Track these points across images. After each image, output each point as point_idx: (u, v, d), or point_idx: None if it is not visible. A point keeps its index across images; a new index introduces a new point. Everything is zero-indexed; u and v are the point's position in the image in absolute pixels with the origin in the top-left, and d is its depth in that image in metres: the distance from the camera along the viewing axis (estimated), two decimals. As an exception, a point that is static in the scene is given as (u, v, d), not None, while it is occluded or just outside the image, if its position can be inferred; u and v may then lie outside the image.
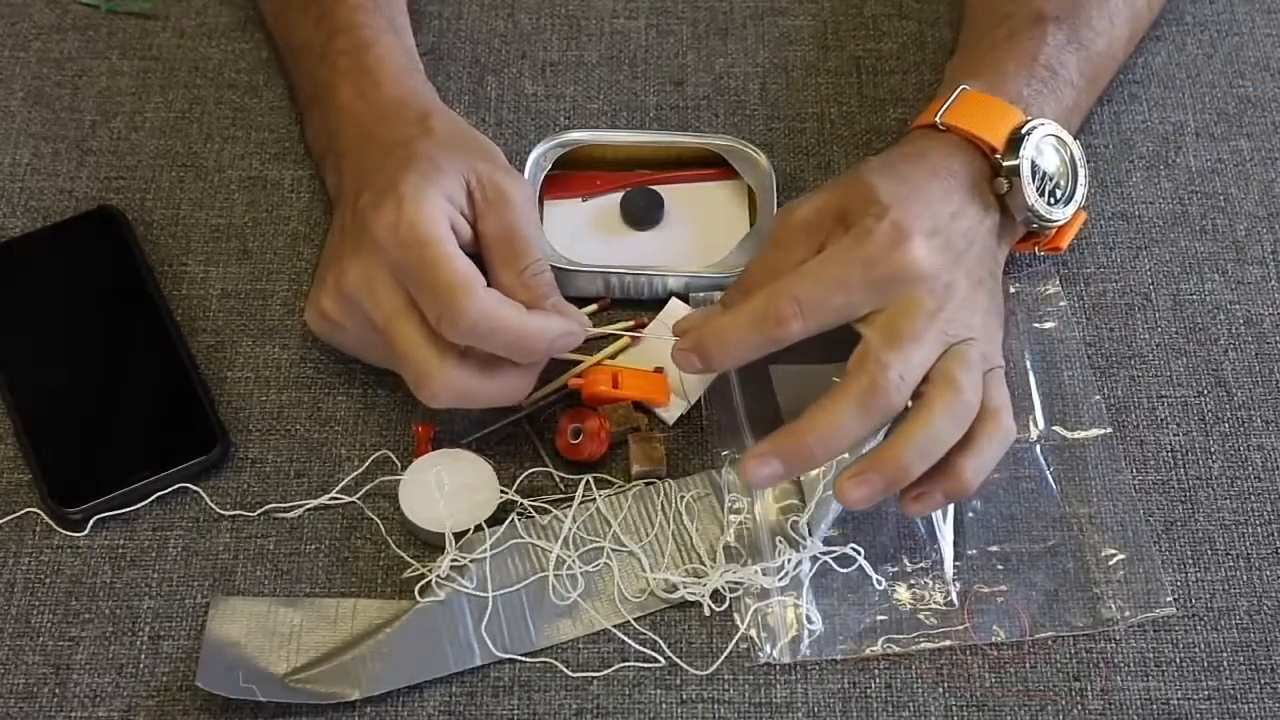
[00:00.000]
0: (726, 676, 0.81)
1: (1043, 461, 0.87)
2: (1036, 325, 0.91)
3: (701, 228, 0.94)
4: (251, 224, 0.95)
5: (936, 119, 0.86)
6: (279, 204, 0.96)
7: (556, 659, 0.81)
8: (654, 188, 0.95)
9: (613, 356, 0.89)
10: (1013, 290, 0.92)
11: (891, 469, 0.78)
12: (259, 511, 0.85)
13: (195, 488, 0.85)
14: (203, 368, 0.89)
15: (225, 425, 0.87)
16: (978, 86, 0.87)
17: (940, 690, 0.81)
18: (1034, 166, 0.85)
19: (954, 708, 0.80)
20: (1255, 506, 0.86)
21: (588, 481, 0.85)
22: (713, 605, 0.83)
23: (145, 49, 1.02)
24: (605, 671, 0.81)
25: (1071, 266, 0.94)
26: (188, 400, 0.87)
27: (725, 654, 0.81)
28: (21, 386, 0.88)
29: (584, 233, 0.94)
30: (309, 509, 0.85)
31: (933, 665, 0.81)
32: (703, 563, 0.84)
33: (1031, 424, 0.88)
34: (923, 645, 0.82)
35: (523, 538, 0.83)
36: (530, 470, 0.86)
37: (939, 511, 0.84)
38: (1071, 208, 0.87)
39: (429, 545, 0.84)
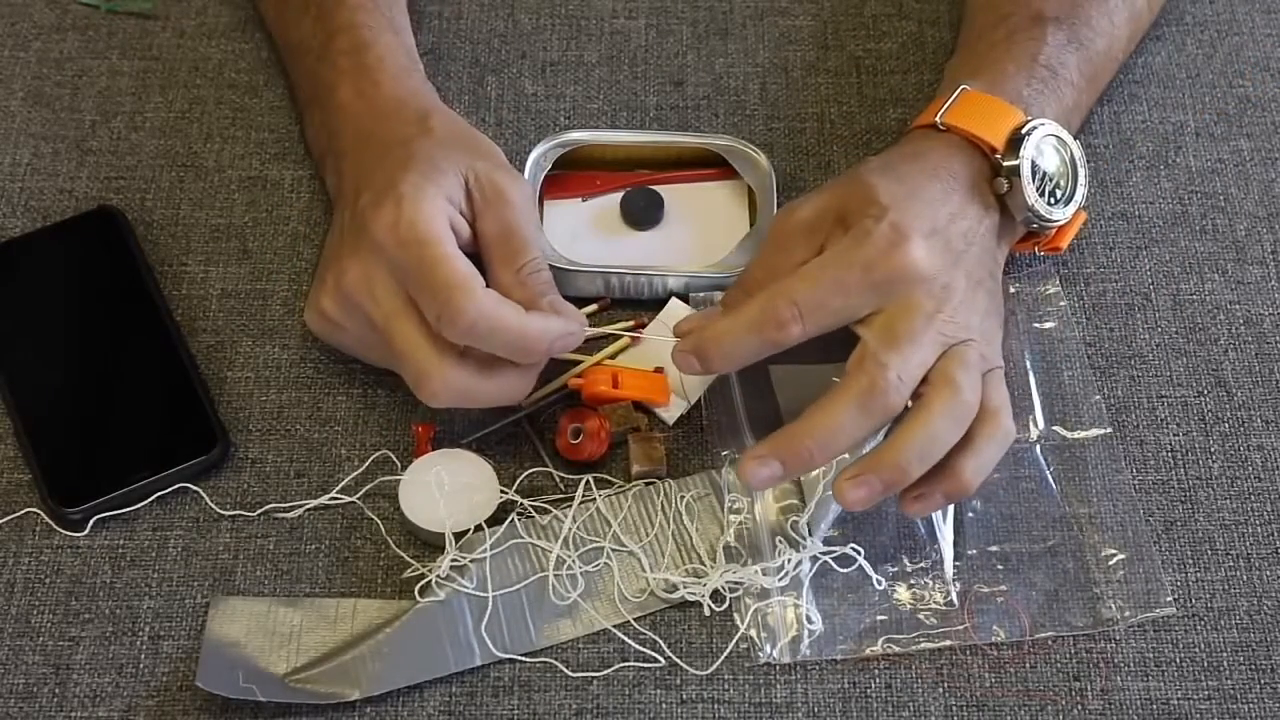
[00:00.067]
0: (726, 676, 0.81)
1: (1043, 461, 0.87)
2: (1036, 325, 0.91)
3: (701, 228, 0.94)
4: (251, 224, 0.95)
5: (936, 119, 0.86)
6: (279, 204, 0.96)
7: (556, 659, 0.81)
8: (654, 188, 0.95)
9: (613, 356, 0.89)
10: (1013, 290, 0.92)
11: (891, 470, 0.78)
12: (259, 511, 0.85)
13: (195, 488, 0.85)
14: (203, 368, 0.89)
15: (225, 425, 0.87)
16: (978, 86, 0.87)
17: (940, 690, 0.81)
18: (1034, 166, 0.85)
19: (954, 708, 0.80)
20: (1255, 506, 0.86)
21: (588, 481, 0.85)
22: (713, 605, 0.83)
23: (145, 49, 1.02)
24: (605, 671, 0.81)
25: (1071, 266, 0.94)
26: (188, 400, 0.87)
27: (725, 654, 0.81)
28: (21, 386, 0.88)
29: (584, 233, 0.94)
30: (309, 509, 0.85)
31: (933, 665, 0.81)
32: (703, 563, 0.84)
33: (1031, 424, 0.88)
34: (923, 645, 0.82)
35: (523, 538, 0.83)
36: (530, 470, 0.86)
37: (939, 512, 0.84)
38: (1071, 208, 0.87)
39: (429, 545, 0.84)
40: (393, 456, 0.87)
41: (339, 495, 0.86)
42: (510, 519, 0.84)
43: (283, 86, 1.00)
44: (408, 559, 0.84)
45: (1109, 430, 0.88)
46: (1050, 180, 0.86)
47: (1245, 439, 0.88)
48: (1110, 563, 0.84)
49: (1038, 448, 0.87)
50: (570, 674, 0.81)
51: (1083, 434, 0.88)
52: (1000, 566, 0.84)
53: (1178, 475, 0.87)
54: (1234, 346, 0.91)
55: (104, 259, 0.92)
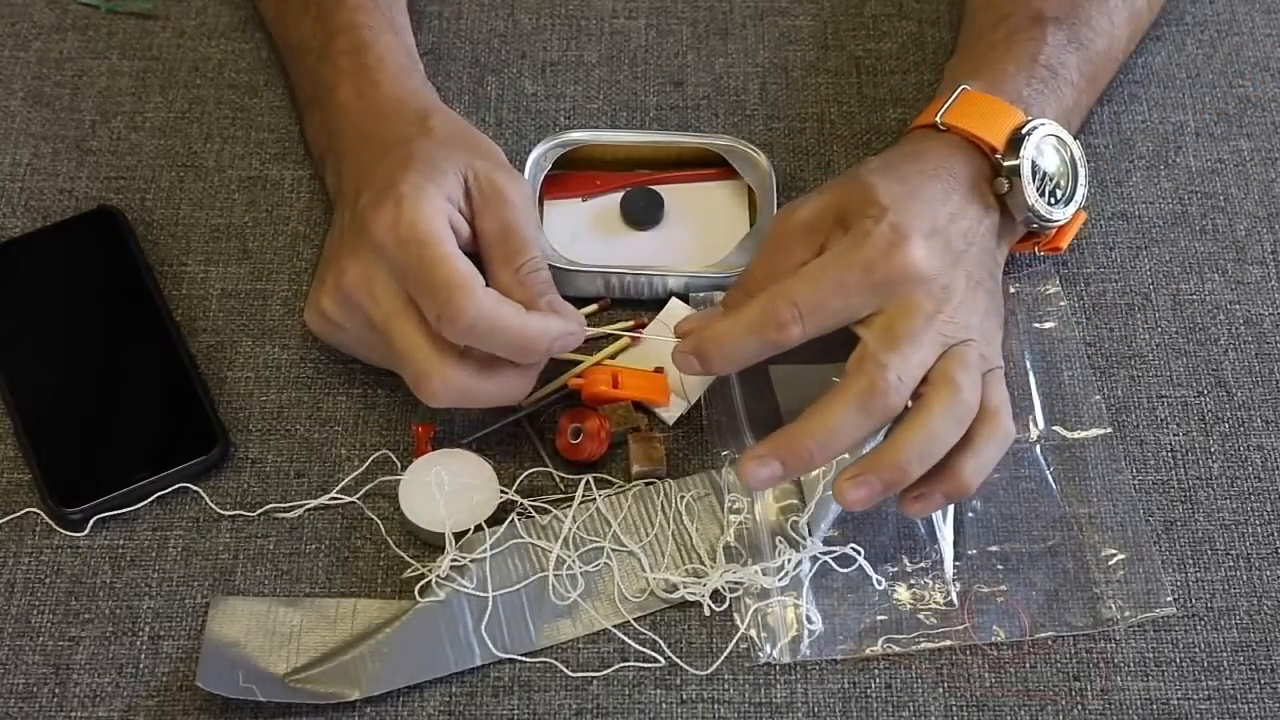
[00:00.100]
0: (726, 676, 0.81)
1: (1043, 461, 0.87)
2: (1036, 325, 0.91)
3: (701, 228, 0.94)
4: (251, 224, 0.95)
5: (936, 119, 0.86)
6: (279, 204, 0.96)
7: (556, 659, 0.81)
8: (654, 188, 0.95)
9: (613, 356, 0.89)
10: (1013, 290, 0.92)
11: (890, 470, 0.78)
12: (259, 511, 0.85)
13: (195, 488, 0.85)
14: (203, 368, 0.89)
15: (225, 425, 0.87)
16: (978, 86, 0.87)
17: (940, 690, 0.81)
18: (1034, 166, 0.85)
19: (954, 708, 0.80)
20: (1255, 506, 0.86)
21: (588, 481, 0.85)
22: (713, 605, 0.82)
23: (145, 49, 1.02)
24: (605, 671, 0.81)
25: (1071, 266, 0.94)
26: (188, 400, 0.87)
27: (725, 654, 0.81)
28: (21, 386, 0.88)
29: (584, 233, 0.94)
30: (309, 509, 0.85)
31: (933, 665, 0.81)
32: (703, 563, 0.84)
33: (1031, 424, 0.88)
34: (923, 645, 0.82)
35: (523, 538, 0.83)
36: (530, 470, 0.86)
37: (939, 512, 0.84)
38: (1072, 208, 0.87)
39: (429, 545, 0.84)
40: (393, 456, 0.87)
41: (339, 495, 0.86)
42: (510, 519, 0.84)
43: (283, 86, 1.00)
44: (408, 559, 0.84)
45: (1109, 430, 0.88)
46: (1050, 180, 0.86)
47: (1245, 439, 0.88)
48: (1110, 563, 0.84)
49: (1038, 448, 0.87)
50: (570, 674, 0.81)
51: (1083, 434, 0.88)
52: (1000, 566, 0.84)
53: (1178, 475, 0.87)
54: (1234, 346, 0.91)
55: (104, 259, 0.92)
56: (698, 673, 0.81)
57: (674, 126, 0.99)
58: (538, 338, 0.80)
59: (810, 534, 0.84)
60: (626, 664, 0.81)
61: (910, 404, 0.79)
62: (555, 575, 0.83)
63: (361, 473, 0.86)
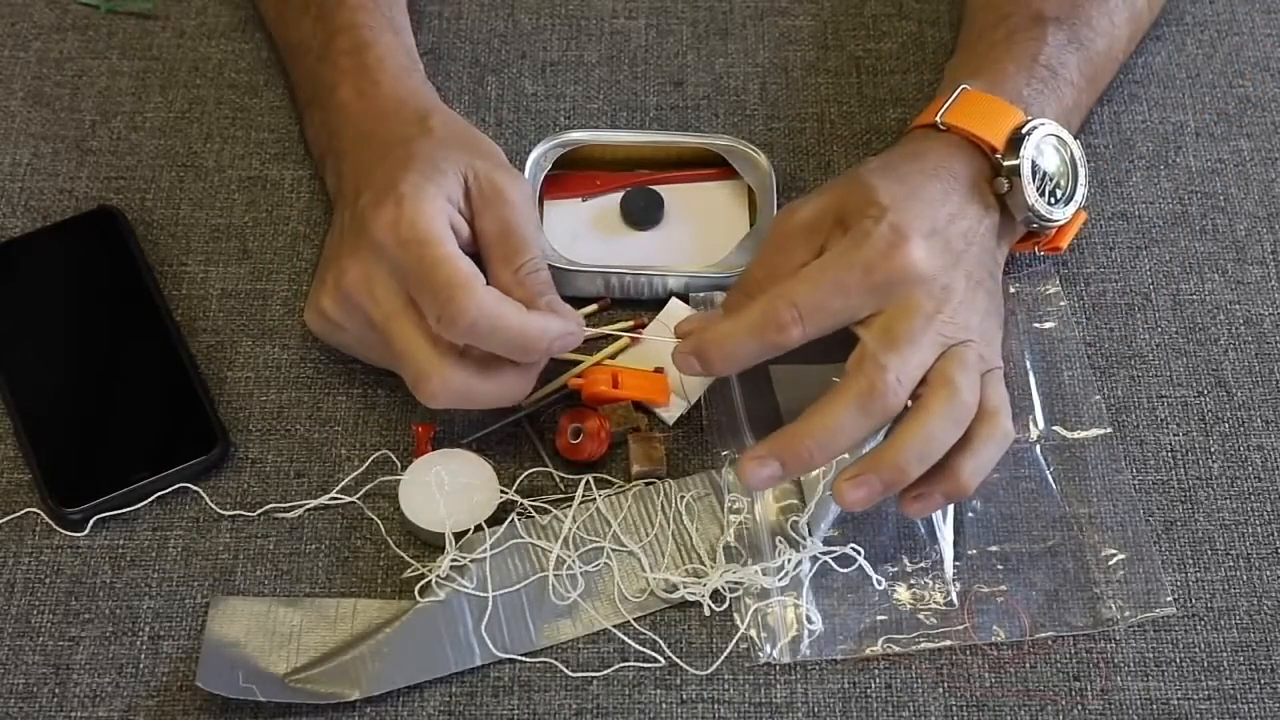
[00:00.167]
0: (726, 676, 0.81)
1: (1043, 461, 0.87)
2: (1036, 325, 0.91)
3: (701, 228, 0.94)
4: (251, 224, 0.95)
5: (936, 119, 0.86)
6: (279, 204, 0.96)
7: (556, 659, 0.81)
8: (654, 188, 0.95)
9: (613, 356, 0.89)
10: (1013, 290, 0.92)
11: (890, 470, 0.78)
12: (259, 511, 0.85)
13: (195, 488, 0.85)
14: (203, 368, 0.89)
15: (225, 425, 0.87)
16: (978, 86, 0.87)
17: (940, 690, 0.81)
18: (1034, 166, 0.85)
19: (954, 708, 0.80)
20: (1255, 506, 0.86)
21: (588, 481, 0.85)
22: (713, 605, 0.82)
23: (145, 49, 1.02)
24: (605, 671, 0.81)
25: (1071, 266, 0.94)
26: (188, 400, 0.87)
27: (725, 654, 0.81)
28: (21, 386, 0.88)
29: (584, 233, 0.94)
30: (309, 509, 0.85)
31: (933, 665, 0.81)
32: (703, 563, 0.84)
33: (1031, 424, 0.88)
34: (923, 645, 0.82)
35: (523, 538, 0.83)
36: (530, 470, 0.86)
37: (939, 512, 0.84)
38: (1072, 208, 0.87)
39: (429, 545, 0.84)
40: (393, 456, 0.87)
41: (339, 495, 0.86)
42: (510, 519, 0.84)
43: (283, 86, 1.00)
44: (408, 559, 0.84)
45: (1109, 430, 0.88)
46: (1050, 180, 0.86)
47: (1245, 439, 0.88)
48: (1110, 563, 0.84)
49: (1038, 448, 0.87)
50: (570, 674, 0.81)
51: (1083, 434, 0.88)
52: (1000, 566, 0.84)
53: (1178, 475, 0.87)
54: (1234, 346, 0.91)
55: (104, 259, 0.92)
56: (698, 673, 0.81)
57: (674, 126, 0.99)
58: (538, 337, 0.80)
59: (810, 534, 0.84)
60: (626, 664, 0.81)
61: (910, 404, 0.79)
62: (555, 575, 0.83)
63: (361, 473, 0.86)
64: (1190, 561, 0.84)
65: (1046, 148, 0.86)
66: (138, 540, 0.84)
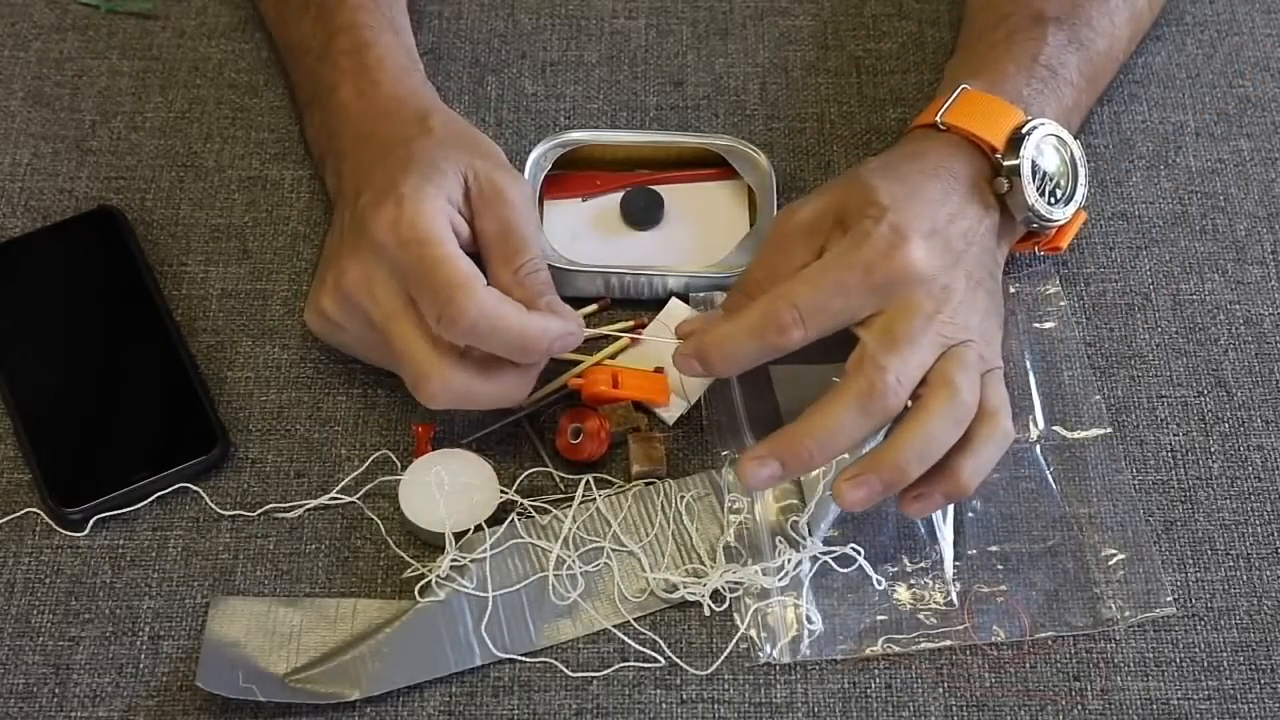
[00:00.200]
0: (726, 676, 0.81)
1: (1043, 461, 0.87)
2: (1036, 325, 0.91)
3: (701, 228, 0.94)
4: (251, 224, 0.95)
5: (937, 119, 0.86)
6: (279, 204, 0.96)
7: (556, 659, 0.81)
8: (654, 188, 0.95)
9: (613, 356, 0.89)
10: (1013, 290, 0.92)
11: (889, 470, 0.78)
12: (259, 511, 0.85)
13: (195, 488, 0.85)
14: (203, 368, 0.89)
15: (225, 425, 0.87)
16: (978, 86, 0.87)
17: (940, 690, 0.81)
18: (1034, 166, 0.85)
19: (954, 708, 0.80)
20: (1255, 506, 0.86)
21: (588, 481, 0.85)
22: (713, 605, 0.82)
23: (145, 49, 1.02)
24: (605, 671, 0.81)
25: (1071, 266, 0.94)
26: (188, 400, 0.87)
27: (725, 654, 0.81)
28: (21, 386, 0.88)
29: (584, 233, 0.94)
30: (309, 509, 0.85)
31: (933, 665, 0.81)
32: (703, 563, 0.84)
33: (1031, 424, 0.88)
34: (923, 645, 0.82)
35: (523, 538, 0.83)
36: (530, 470, 0.86)
37: (939, 512, 0.84)
38: (1072, 208, 0.87)
39: (429, 545, 0.84)
40: (393, 456, 0.87)
41: (339, 495, 0.86)
42: (510, 519, 0.84)
43: (283, 86, 1.00)
44: (408, 559, 0.84)
45: (1109, 430, 0.88)
46: (1050, 180, 0.86)
47: (1245, 439, 0.88)
48: (1110, 563, 0.84)
49: (1038, 448, 0.87)
50: (570, 674, 0.81)
51: (1083, 434, 0.88)
52: (1000, 566, 0.84)
53: (1178, 475, 0.87)
54: (1234, 346, 0.91)
55: (104, 259, 0.92)
56: (698, 673, 0.81)
57: (674, 126, 0.99)
58: (538, 337, 0.80)
59: (810, 534, 0.84)
60: (626, 664, 0.81)
61: (910, 404, 0.79)
62: (555, 575, 0.83)
63: (361, 473, 0.86)
64: (1190, 561, 0.84)
65: (1046, 148, 0.86)
66: (138, 540, 0.84)
